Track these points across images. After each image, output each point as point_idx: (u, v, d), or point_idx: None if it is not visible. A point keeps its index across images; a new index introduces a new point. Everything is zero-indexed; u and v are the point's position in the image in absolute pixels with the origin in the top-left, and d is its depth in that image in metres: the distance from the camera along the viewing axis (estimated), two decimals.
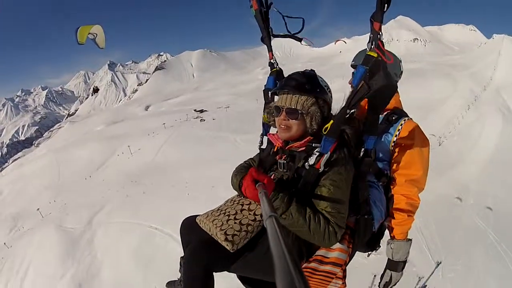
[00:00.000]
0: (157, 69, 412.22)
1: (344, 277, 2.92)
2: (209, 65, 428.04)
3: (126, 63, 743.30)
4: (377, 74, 2.57)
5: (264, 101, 3.49)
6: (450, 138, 40.53)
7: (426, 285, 18.12)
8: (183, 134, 57.65)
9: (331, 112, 3.06)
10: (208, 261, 2.74)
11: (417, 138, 3.30)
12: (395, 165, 3.31)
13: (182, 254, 3.46)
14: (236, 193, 3.27)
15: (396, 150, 3.32)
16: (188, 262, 2.80)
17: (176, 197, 31.38)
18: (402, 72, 3.76)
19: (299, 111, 2.84)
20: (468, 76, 75.95)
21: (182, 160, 43.95)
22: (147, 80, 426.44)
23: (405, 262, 3.35)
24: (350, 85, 3.31)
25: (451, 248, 22.91)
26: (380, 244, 3.62)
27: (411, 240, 3.34)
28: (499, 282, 20.40)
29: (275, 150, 3.18)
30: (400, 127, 3.31)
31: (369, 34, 2.50)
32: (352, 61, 3.70)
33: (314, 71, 3.10)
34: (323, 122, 2.89)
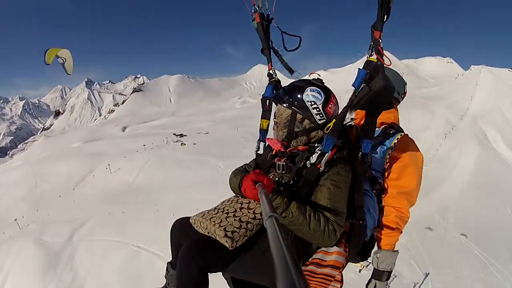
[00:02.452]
0: (135, 91, 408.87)
1: (342, 280, 2.91)
2: (186, 91, 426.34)
3: (103, 82, 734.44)
4: (377, 77, 2.66)
5: (261, 109, 3.48)
6: (429, 164, 43.78)
7: None
8: (164, 156, 57.91)
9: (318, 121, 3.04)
10: (203, 260, 2.62)
11: (411, 153, 3.38)
12: (388, 176, 3.34)
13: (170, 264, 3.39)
14: (226, 197, 3.23)
15: (391, 162, 3.35)
16: (182, 262, 2.68)
17: (160, 218, 31.23)
18: (405, 92, 3.95)
19: (281, 122, 3.03)
20: (444, 107, 79.11)
21: (165, 182, 44.14)
22: (123, 101, 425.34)
23: (390, 272, 3.38)
24: None
25: (437, 261, 25.16)
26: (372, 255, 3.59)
27: (397, 251, 3.36)
28: (488, 283, 22.99)
29: (273, 153, 3.21)
30: (396, 141, 3.37)
31: (370, 42, 2.65)
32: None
33: (319, 80, 3.16)
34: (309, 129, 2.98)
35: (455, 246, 28.02)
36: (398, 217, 3.27)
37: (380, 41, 2.59)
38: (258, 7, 3.40)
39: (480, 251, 27.89)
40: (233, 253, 2.63)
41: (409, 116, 56.27)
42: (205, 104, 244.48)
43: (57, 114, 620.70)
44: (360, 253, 3.29)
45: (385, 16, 2.55)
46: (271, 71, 3.62)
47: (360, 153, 2.93)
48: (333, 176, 2.69)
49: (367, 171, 3.11)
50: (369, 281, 3.44)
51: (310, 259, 2.82)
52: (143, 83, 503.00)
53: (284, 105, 2.95)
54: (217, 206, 2.96)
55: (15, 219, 36.64)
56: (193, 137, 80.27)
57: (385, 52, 2.64)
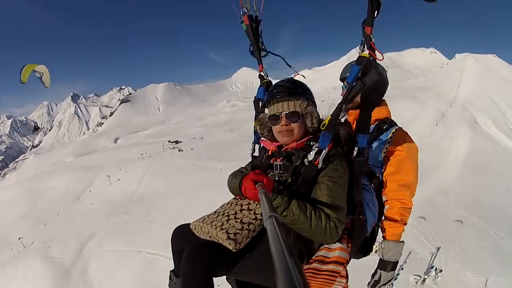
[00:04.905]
0: (122, 101, 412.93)
1: (347, 276, 2.87)
2: (174, 99, 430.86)
3: (89, 96, 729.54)
4: (370, 72, 2.69)
5: (255, 111, 3.47)
6: (424, 150, 43.55)
7: (433, 266, 22.96)
8: (163, 163, 57.90)
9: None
10: (207, 264, 2.54)
11: (407, 146, 3.41)
12: (387, 171, 3.37)
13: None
14: (230, 198, 3.13)
15: (388, 156, 3.40)
16: (185, 268, 2.57)
17: (170, 223, 30.35)
18: (388, 83, 3.82)
19: (300, 113, 2.85)
20: (433, 97, 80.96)
21: (168, 189, 43.99)
22: (111, 113, 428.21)
23: (395, 263, 3.37)
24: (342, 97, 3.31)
25: (446, 236, 26.87)
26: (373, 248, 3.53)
27: (403, 242, 3.36)
28: (494, 254, 24.96)
29: (269, 154, 3.09)
30: (392, 135, 3.40)
31: (361, 38, 2.69)
32: (340, 76, 3.91)
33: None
34: (320, 120, 2.94)
35: (459, 222, 29.95)
36: (403, 208, 3.32)
37: (372, 36, 2.63)
38: (246, 9, 3.44)
39: (482, 224, 30.09)
40: (236, 255, 2.59)
41: (398, 108, 57.75)
42: (194, 110, 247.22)
43: (36, 129, 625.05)
44: (361, 249, 3.29)
45: (376, 11, 2.57)
46: (262, 73, 3.65)
47: (357, 148, 2.91)
48: (331, 172, 2.66)
49: (365, 165, 3.11)
50: (375, 271, 3.47)
51: (314, 256, 2.81)
52: (129, 94, 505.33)
53: (300, 99, 2.86)
54: (217, 210, 2.89)
55: (19, 238, 36.10)
56: (188, 143, 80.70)
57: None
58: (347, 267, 2.88)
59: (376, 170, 3.37)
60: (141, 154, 69.95)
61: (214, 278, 2.58)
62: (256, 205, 2.79)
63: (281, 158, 2.89)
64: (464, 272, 22.74)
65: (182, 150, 70.64)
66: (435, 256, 22.59)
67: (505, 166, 46.92)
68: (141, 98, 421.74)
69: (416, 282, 21.33)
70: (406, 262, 22.22)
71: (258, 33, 3.54)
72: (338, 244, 2.77)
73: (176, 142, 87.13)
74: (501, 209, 32.88)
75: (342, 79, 3.83)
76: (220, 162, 52.55)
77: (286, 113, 2.83)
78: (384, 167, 3.41)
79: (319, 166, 2.63)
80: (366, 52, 2.67)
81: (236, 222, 2.61)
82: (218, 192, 37.96)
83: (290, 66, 3.71)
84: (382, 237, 3.41)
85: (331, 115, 2.75)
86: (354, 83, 2.69)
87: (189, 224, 2.89)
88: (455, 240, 26.34)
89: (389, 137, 3.39)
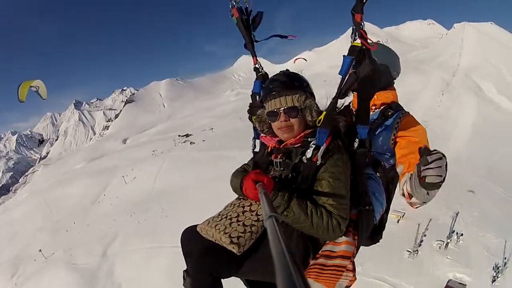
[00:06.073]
0: (127, 102, 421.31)
1: (354, 269, 2.70)
2: (177, 94, 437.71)
3: (91, 101, 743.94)
4: (363, 62, 2.51)
5: (253, 105, 3.19)
6: (433, 120, 46.45)
7: (454, 230, 24.23)
8: (177, 158, 58.25)
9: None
10: (214, 267, 2.47)
11: (416, 130, 3.06)
12: (400, 154, 2.99)
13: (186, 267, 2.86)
14: (234, 198, 2.95)
15: (397, 142, 3.04)
16: (193, 272, 2.50)
17: (193, 216, 30.38)
18: (400, 71, 3.61)
19: (299, 108, 2.65)
20: (435, 67, 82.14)
21: (185, 182, 44.26)
22: (116, 115, 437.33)
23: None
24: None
25: (463, 201, 27.49)
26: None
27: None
28: (511, 218, 25.12)
29: (268, 150, 2.88)
30: (398, 120, 3.08)
31: (352, 26, 2.57)
32: None
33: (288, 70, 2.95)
34: (320, 112, 2.73)
35: (475, 188, 30.21)
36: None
37: (362, 24, 2.47)
38: (235, 2, 3.20)
39: (498, 189, 30.50)
40: (243, 256, 2.46)
41: (404, 81, 58.88)
42: (199, 102, 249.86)
43: (41, 142, 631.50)
44: (370, 236, 3.09)
45: None
46: (256, 65, 3.42)
47: (357, 139, 2.67)
48: (331, 168, 2.50)
49: (367, 156, 2.89)
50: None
51: (320, 251, 2.65)
52: (132, 94, 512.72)
53: (298, 92, 2.65)
54: (221, 212, 2.71)
55: (40, 250, 36.21)
56: (199, 135, 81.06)
57: (366, 23, 2.52)
58: (353, 260, 2.74)
59: (381, 158, 3.16)
60: (153, 151, 70.45)
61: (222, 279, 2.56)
62: (258, 205, 2.66)
63: (281, 155, 2.70)
64: (484, 234, 23.18)
65: (194, 143, 70.87)
66: (455, 221, 23.23)
67: None
68: (144, 97, 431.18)
69: (440, 247, 21.93)
70: (428, 229, 23.01)
71: (249, 26, 3.29)
72: (344, 238, 2.59)
73: (187, 135, 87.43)
74: None
75: None
76: (235, 151, 51.53)
77: (284, 109, 2.62)
78: (394, 152, 3.06)
79: (318, 162, 2.46)
80: (358, 41, 2.47)
81: (238, 225, 2.50)
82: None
83: (287, 37, 3.50)
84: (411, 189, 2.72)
85: (325, 111, 2.58)
86: (348, 75, 2.51)
87: (197, 225, 2.71)
88: (472, 206, 26.74)
89: (396, 122, 3.07)
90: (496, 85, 63.01)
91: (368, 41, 2.46)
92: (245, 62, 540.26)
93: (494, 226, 23.87)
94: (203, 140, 68.96)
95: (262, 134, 3.01)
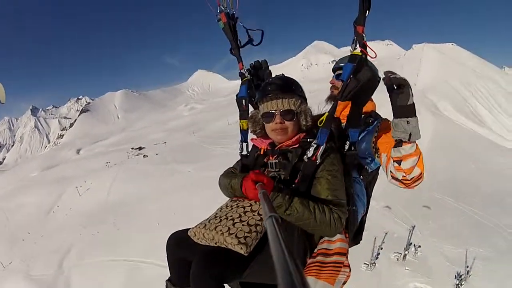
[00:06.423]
0: (82, 111, 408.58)
1: (349, 265, 2.97)
2: (132, 105, 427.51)
3: (47, 108, 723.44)
4: (363, 69, 2.75)
5: (238, 110, 3.43)
6: None
7: (411, 242, 22.64)
8: (130, 170, 58.11)
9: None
10: (219, 272, 2.53)
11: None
12: (381, 147, 3.25)
13: (168, 277, 3.26)
14: (225, 202, 3.10)
15: (378, 142, 3.29)
16: (196, 278, 2.53)
17: (147, 229, 31.59)
18: (380, 79, 3.41)
19: (294, 111, 2.93)
20: None
21: (140, 195, 44.12)
22: (71, 124, 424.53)
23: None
24: (331, 84, 3.89)
25: (419, 215, 27.89)
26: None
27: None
28: (470, 228, 25.94)
29: (261, 153, 3.16)
30: (378, 125, 3.44)
31: (353, 37, 2.72)
32: (335, 65, 3.97)
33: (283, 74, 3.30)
34: (313, 118, 3.03)
35: (432, 202, 30.43)
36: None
37: (364, 35, 2.68)
38: (223, 7, 3.41)
39: (455, 202, 30.71)
40: (246, 258, 2.59)
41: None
42: (153, 115, 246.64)
43: None
44: (354, 237, 3.44)
45: (367, 11, 2.63)
46: (242, 70, 3.60)
47: (348, 142, 3.01)
48: (329, 166, 2.77)
49: (356, 158, 3.19)
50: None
51: (316, 250, 2.89)
52: (88, 103, 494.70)
53: (294, 96, 2.96)
54: (217, 214, 2.85)
55: None
56: (152, 148, 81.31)
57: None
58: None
59: (364, 162, 3.46)
60: (107, 163, 70.42)
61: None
62: (259, 205, 2.79)
63: (276, 156, 2.95)
64: (443, 245, 23.41)
65: (147, 156, 71.18)
66: (412, 233, 22.97)
67: (470, 147, 48.41)
68: (100, 107, 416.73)
69: (398, 259, 21.86)
70: (384, 242, 23.02)
71: (236, 31, 3.52)
72: (338, 236, 2.90)
73: (140, 148, 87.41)
74: (473, 187, 33.97)
75: (335, 69, 3.94)
76: (188, 165, 53.21)
77: (280, 111, 2.91)
78: (374, 157, 3.36)
79: (318, 161, 2.74)
80: (358, 50, 2.75)
81: (243, 225, 2.59)
82: (189, 195, 38.46)
83: (260, 42, 3.64)
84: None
85: (328, 112, 2.85)
86: (349, 81, 2.75)
87: (185, 230, 2.92)
88: (429, 219, 27.21)
89: (376, 126, 3.43)
90: (454, 104, 64.60)
91: (369, 50, 2.75)
92: (199, 77, 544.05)
93: (452, 237, 24.46)
94: (156, 154, 69.46)
95: (252, 137, 3.30)
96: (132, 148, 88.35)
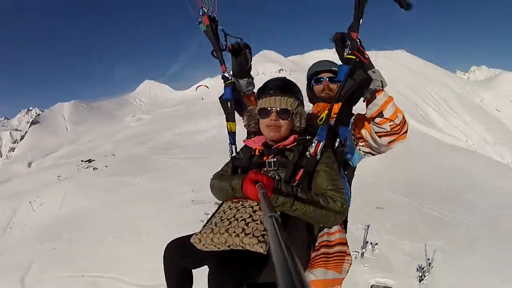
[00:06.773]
0: (32, 123, 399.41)
1: (350, 254, 3.13)
2: (81, 117, 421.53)
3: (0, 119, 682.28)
4: (358, 71, 2.77)
5: (224, 112, 3.39)
6: None
7: (367, 241, 23.70)
8: (81, 183, 58.31)
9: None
10: (240, 274, 2.56)
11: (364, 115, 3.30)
12: (360, 126, 3.36)
13: None
14: (222, 206, 2.97)
15: (358, 132, 3.36)
16: (217, 283, 2.55)
17: (101, 241, 32.46)
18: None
19: (291, 112, 2.95)
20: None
21: (91, 208, 44.89)
22: (22, 137, 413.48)
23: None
24: (324, 86, 3.86)
25: (374, 215, 29.51)
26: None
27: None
28: (425, 223, 28.03)
29: (256, 153, 3.08)
30: (354, 117, 3.46)
31: (347, 42, 2.79)
32: (310, 71, 4.05)
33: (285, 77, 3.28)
34: (308, 121, 3.07)
35: (387, 201, 32.97)
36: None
37: (358, 40, 2.73)
38: (206, 10, 3.35)
39: (409, 201, 33.48)
40: (264, 257, 2.51)
41: (309, 107, 61.98)
42: (102, 127, 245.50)
43: None
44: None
45: (361, 19, 2.68)
46: (225, 73, 3.50)
47: (338, 139, 3.11)
48: (326, 160, 2.83)
49: (343, 155, 3.26)
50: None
51: (318, 243, 3.04)
52: (38, 115, 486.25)
53: (292, 98, 2.99)
54: (222, 217, 2.70)
55: None
56: (101, 160, 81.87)
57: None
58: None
59: (347, 157, 3.45)
60: (58, 176, 70.80)
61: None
62: None
63: (273, 155, 2.95)
64: (400, 241, 24.50)
65: (97, 168, 71.95)
66: (367, 232, 23.69)
67: (422, 148, 51.80)
68: (49, 119, 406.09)
69: (356, 257, 22.22)
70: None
71: (217, 33, 3.41)
72: (336, 227, 3.06)
73: (89, 160, 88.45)
74: (427, 185, 36.60)
75: (314, 74, 3.95)
76: (137, 176, 54.29)
77: (277, 109, 2.90)
78: (356, 143, 3.44)
79: (318, 157, 2.79)
80: (353, 54, 2.74)
81: (257, 224, 2.47)
82: (140, 206, 42.28)
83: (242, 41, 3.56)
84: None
85: (327, 110, 2.88)
86: (346, 82, 2.76)
87: (185, 237, 2.83)
88: (384, 218, 28.55)
89: (352, 119, 3.43)
90: (405, 110, 62.97)
91: (365, 55, 2.77)
92: (147, 87, 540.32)
93: (408, 233, 25.62)
94: (106, 166, 69.80)
95: (245, 139, 3.33)
96: (82, 161, 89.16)
